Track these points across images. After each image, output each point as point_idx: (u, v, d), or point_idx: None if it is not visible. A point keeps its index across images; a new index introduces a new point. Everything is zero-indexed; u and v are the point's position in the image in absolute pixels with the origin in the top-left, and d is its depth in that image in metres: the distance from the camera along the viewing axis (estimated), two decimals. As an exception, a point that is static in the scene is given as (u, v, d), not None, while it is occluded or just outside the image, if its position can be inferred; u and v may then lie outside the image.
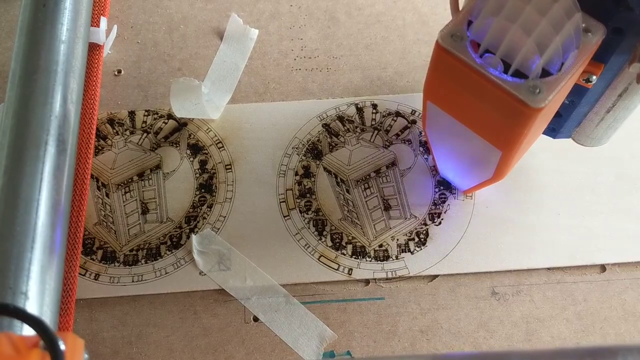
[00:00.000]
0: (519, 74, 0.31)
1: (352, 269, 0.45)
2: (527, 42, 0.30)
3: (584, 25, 0.31)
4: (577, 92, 0.36)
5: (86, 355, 0.28)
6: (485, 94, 0.32)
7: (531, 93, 0.30)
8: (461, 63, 0.31)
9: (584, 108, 0.38)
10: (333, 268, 0.45)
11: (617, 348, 0.23)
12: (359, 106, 0.51)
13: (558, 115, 0.38)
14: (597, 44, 0.31)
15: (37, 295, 0.35)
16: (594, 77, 0.33)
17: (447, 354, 0.35)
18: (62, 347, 0.24)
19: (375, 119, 0.50)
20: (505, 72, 0.31)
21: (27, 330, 0.33)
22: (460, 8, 0.34)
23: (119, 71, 0.52)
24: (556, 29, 0.30)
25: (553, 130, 0.41)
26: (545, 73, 0.31)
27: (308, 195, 0.48)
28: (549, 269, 0.45)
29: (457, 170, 0.45)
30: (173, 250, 0.46)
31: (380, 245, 0.46)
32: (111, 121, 0.50)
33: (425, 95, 0.38)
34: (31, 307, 0.35)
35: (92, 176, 0.48)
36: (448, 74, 0.33)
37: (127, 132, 0.50)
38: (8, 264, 0.35)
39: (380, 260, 0.45)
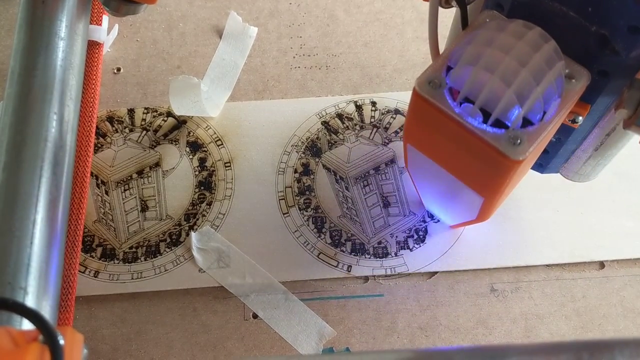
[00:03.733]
0: (499, 123, 0.29)
1: (351, 266, 0.45)
2: (506, 93, 0.28)
3: (567, 71, 0.30)
4: (564, 131, 0.35)
5: (85, 350, 0.28)
6: (464, 142, 0.30)
7: (511, 144, 0.29)
8: (439, 111, 0.30)
9: (571, 146, 0.37)
10: (332, 265, 0.45)
11: (613, 342, 0.23)
12: (358, 104, 0.51)
13: (545, 152, 0.37)
14: (582, 90, 0.30)
15: (37, 291, 0.35)
16: (580, 118, 0.32)
17: (446, 347, 0.35)
18: (61, 341, 0.24)
19: (374, 117, 0.50)
20: (485, 120, 0.29)
21: (27, 326, 0.33)
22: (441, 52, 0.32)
23: (119, 69, 0.52)
24: (536, 79, 0.28)
25: (540, 166, 0.40)
26: (526, 121, 0.30)
27: (307, 192, 0.48)
28: (547, 265, 0.45)
29: (440, 208, 0.45)
30: (172, 248, 0.46)
31: (380, 242, 0.46)
32: (110, 119, 0.50)
33: (405, 138, 0.37)
34: (30, 302, 0.35)
35: (91, 174, 0.48)
36: (426, 121, 0.32)
37: (127, 130, 0.50)
38: (7, 260, 0.35)
39: (380, 257, 0.45)
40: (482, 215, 0.38)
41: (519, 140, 0.29)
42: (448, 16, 0.37)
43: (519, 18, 0.30)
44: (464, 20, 0.33)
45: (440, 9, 0.34)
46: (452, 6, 0.34)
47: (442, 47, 0.40)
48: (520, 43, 0.29)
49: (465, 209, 0.40)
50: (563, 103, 0.30)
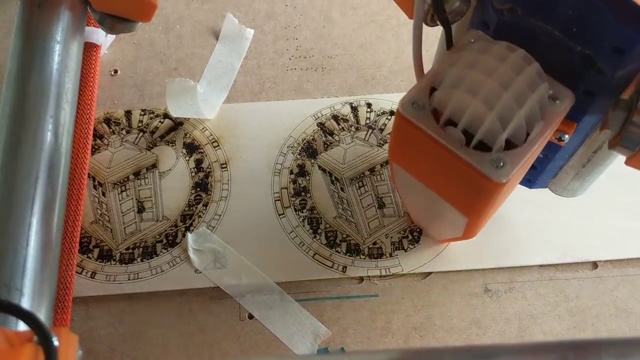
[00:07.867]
0: (482, 145, 0.29)
1: (346, 267, 0.45)
2: (489, 116, 0.28)
3: (551, 92, 0.30)
4: (551, 148, 0.35)
5: (80, 351, 0.28)
6: (448, 164, 0.31)
7: (494, 167, 0.29)
8: (422, 133, 0.30)
9: (558, 162, 0.37)
10: (327, 266, 0.45)
11: (600, 342, 0.24)
12: (353, 105, 0.51)
13: (533, 167, 0.37)
14: (565, 111, 0.30)
15: (33, 292, 0.35)
16: (567, 136, 0.32)
17: (435, 347, 0.35)
18: (56, 342, 0.24)
19: (369, 118, 0.51)
20: (468, 142, 0.29)
21: (23, 327, 0.33)
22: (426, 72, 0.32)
23: (116, 71, 0.53)
24: (519, 102, 0.28)
25: (529, 181, 0.40)
26: (510, 143, 0.30)
27: (303, 193, 0.48)
28: (541, 266, 0.45)
29: (428, 224, 0.45)
30: (169, 249, 0.46)
31: (374, 243, 0.46)
32: (107, 120, 0.51)
33: (391, 157, 0.37)
34: (26, 304, 0.35)
35: (88, 175, 0.48)
36: (410, 142, 0.32)
37: (124, 132, 0.50)
38: (3, 262, 0.35)
39: (374, 258, 0.46)
40: (468, 233, 0.38)
41: (502, 163, 0.29)
42: (437, 28, 0.37)
43: (504, 37, 0.30)
44: (448, 41, 0.33)
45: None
46: (437, 24, 0.33)
47: (433, 54, 0.41)
48: (503, 66, 0.29)
49: (451, 227, 0.40)
50: (547, 125, 0.30)
